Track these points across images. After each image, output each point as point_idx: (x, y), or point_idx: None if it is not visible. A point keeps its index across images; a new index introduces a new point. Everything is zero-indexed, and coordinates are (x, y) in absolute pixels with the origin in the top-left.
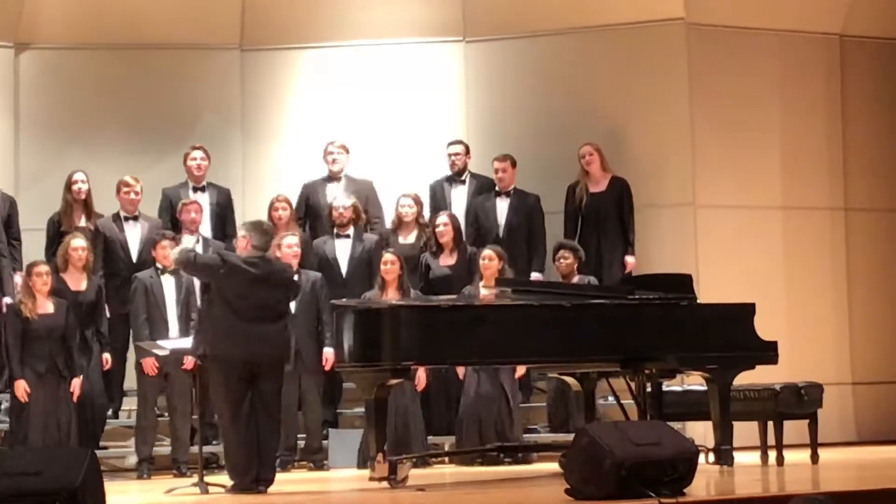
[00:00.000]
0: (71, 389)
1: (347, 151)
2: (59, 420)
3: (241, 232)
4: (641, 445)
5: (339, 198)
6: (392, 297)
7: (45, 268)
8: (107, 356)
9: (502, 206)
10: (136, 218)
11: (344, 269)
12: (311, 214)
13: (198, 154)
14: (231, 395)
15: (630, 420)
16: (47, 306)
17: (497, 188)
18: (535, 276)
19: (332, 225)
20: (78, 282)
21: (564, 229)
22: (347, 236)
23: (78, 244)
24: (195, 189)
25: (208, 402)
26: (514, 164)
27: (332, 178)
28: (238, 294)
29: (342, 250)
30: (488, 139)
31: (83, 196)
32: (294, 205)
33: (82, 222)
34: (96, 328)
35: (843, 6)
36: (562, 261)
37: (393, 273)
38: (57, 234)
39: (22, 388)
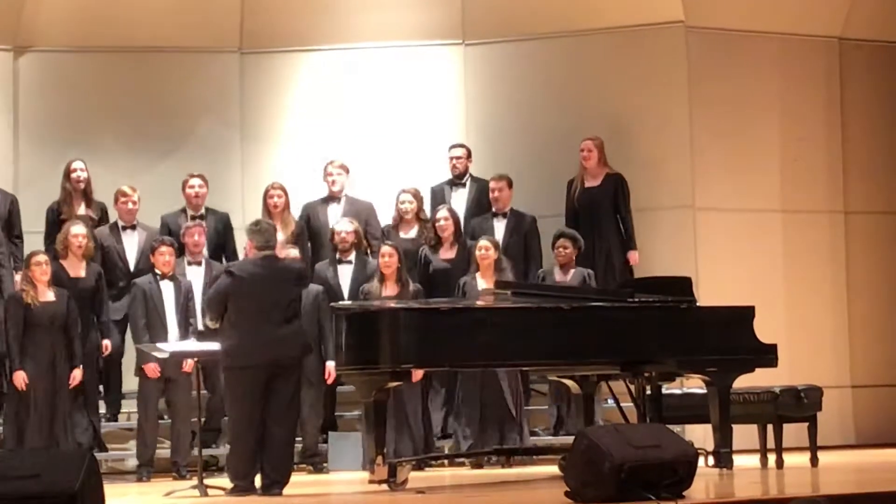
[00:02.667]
0: (70, 381)
1: (347, 171)
2: (55, 414)
3: (247, 237)
4: (641, 448)
5: (341, 222)
6: (391, 290)
7: (43, 257)
8: (107, 342)
9: (499, 227)
10: (133, 227)
11: (346, 293)
12: (312, 236)
13: (196, 182)
14: (247, 403)
15: (629, 423)
16: (48, 295)
17: (493, 209)
18: None
19: (333, 248)
20: (77, 269)
21: (564, 222)
22: (349, 262)
23: (77, 231)
24: (193, 217)
25: (208, 406)
26: (510, 185)
27: (332, 198)
28: (252, 299)
29: (344, 275)
30: (488, 142)
31: (82, 185)
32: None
33: (81, 210)
34: (96, 316)
35: (842, 9)
36: (561, 250)
37: (391, 266)
38: (56, 221)
39: (21, 378)
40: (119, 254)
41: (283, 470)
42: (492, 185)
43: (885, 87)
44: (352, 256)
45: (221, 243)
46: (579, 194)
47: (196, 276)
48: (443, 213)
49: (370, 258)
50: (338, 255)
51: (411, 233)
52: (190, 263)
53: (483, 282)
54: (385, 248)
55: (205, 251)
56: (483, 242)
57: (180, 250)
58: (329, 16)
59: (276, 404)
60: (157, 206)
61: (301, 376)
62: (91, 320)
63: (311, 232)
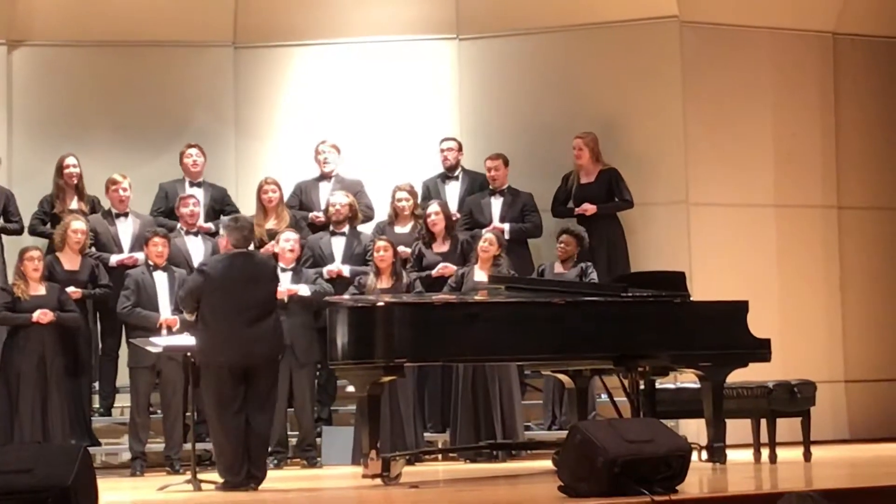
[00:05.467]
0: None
1: (339, 151)
2: (47, 408)
3: (221, 231)
4: (634, 443)
5: (336, 195)
6: (386, 283)
7: (37, 253)
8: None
9: (496, 204)
10: (126, 214)
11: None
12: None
13: (193, 151)
14: (222, 399)
15: (623, 418)
16: (39, 289)
17: (490, 187)
18: None
19: (328, 222)
20: (73, 262)
21: (551, 209)
22: (343, 234)
23: (78, 227)
24: (192, 185)
25: (201, 400)
26: (506, 163)
27: (324, 177)
28: (226, 297)
29: (338, 247)
30: (481, 136)
31: (75, 180)
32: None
33: (74, 204)
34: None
35: (835, 4)
36: (563, 245)
37: (387, 260)
38: (47, 214)
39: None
40: (114, 239)
41: (261, 466)
42: (488, 163)
43: (878, 82)
44: (345, 229)
45: (218, 211)
46: (575, 191)
47: (195, 246)
48: (433, 207)
49: (364, 232)
50: (331, 228)
51: (406, 228)
52: (187, 233)
53: (481, 274)
54: (380, 243)
55: (201, 221)
56: (487, 236)
57: (171, 214)
58: (323, 10)
59: (251, 402)
60: (151, 199)
61: (277, 374)
62: (83, 312)
63: (303, 210)
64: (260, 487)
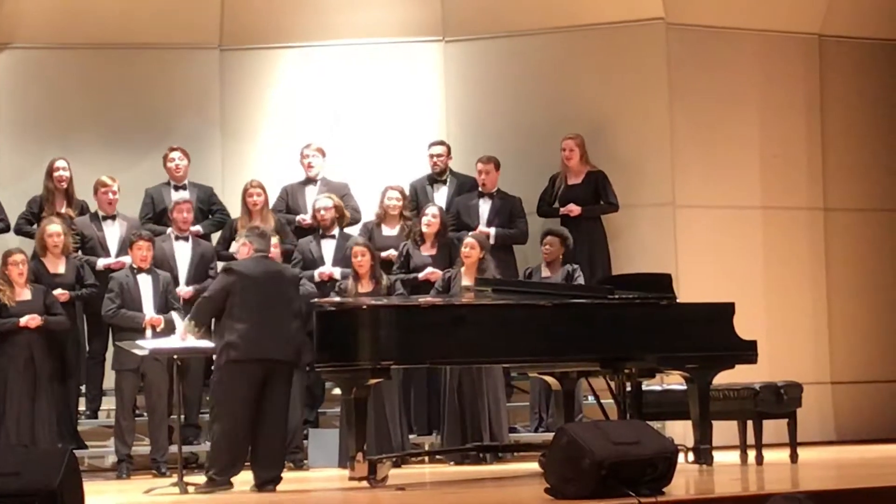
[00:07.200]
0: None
1: (323, 154)
2: (35, 413)
3: (241, 239)
4: (621, 445)
5: (320, 199)
6: (366, 287)
7: (20, 256)
8: None
9: (485, 207)
10: (113, 217)
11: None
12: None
13: (176, 155)
14: (237, 401)
15: (610, 419)
16: (25, 294)
17: (480, 189)
18: None
19: (315, 226)
20: (56, 265)
21: (537, 209)
22: (332, 236)
23: (53, 230)
24: (176, 188)
25: (188, 402)
26: (497, 167)
27: (310, 181)
28: (252, 296)
29: (327, 250)
30: (468, 138)
31: (64, 184)
32: (274, 199)
33: (63, 209)
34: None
35: (821, 6)
36: (548, 247)
37: (365, 265)
38: (34, 215)
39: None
40: (101, 242)
41: (279, 468)
42: (479, 166)
43: (864, 84)
44: (335, 231)
45: (206, 211)
46: (562, 192)
47: (182, 251)
48: (432, 209)
49: (353, 235)
50: (320, 231)
51: (395, 230)
52: (177, 238)
53: (467, 279)
54: (357, 248)
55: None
56: (468, 240)
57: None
58: (309, 12)
59: (271, 402)
60: (138, 202)
61: (291, 381)
62: (72, 315)
63: (290, 213)
64: (239, 490)
